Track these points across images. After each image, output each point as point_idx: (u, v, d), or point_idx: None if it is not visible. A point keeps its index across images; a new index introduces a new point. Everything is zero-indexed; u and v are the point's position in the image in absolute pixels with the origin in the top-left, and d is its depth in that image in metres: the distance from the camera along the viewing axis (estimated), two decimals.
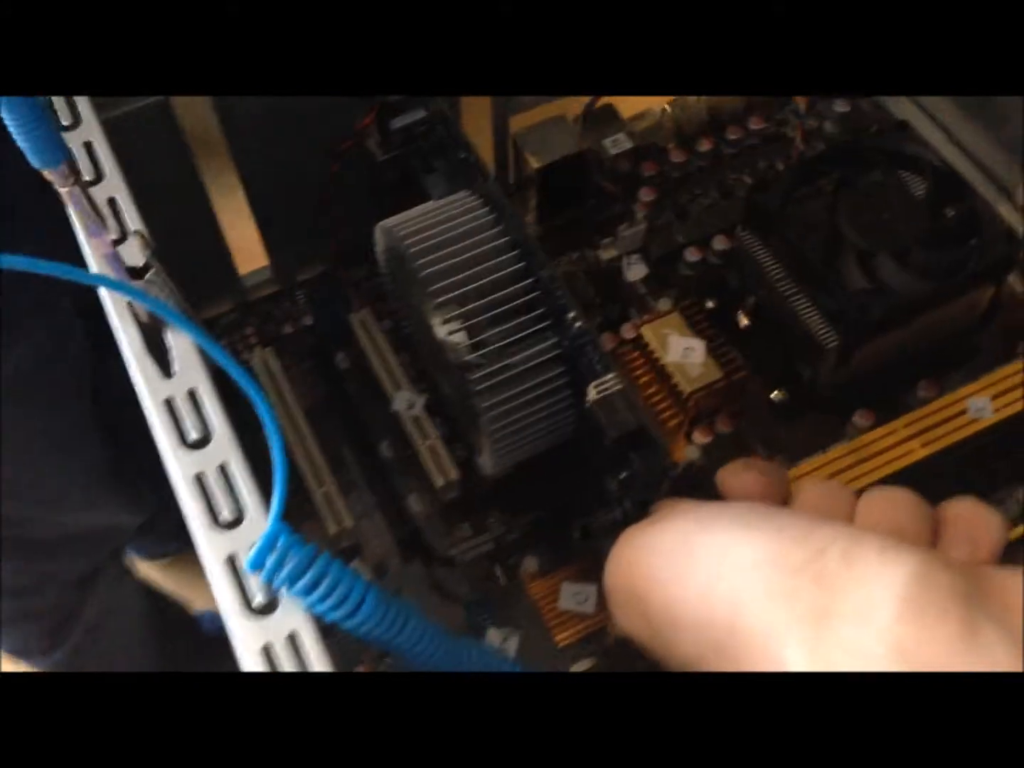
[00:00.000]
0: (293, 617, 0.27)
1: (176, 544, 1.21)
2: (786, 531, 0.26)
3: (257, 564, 0.26)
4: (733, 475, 0.33)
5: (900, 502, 0.32)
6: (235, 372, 0.26)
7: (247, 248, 0.57)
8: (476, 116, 0.55)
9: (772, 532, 0.26)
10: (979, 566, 0.27)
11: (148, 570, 1.18)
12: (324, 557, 0.26)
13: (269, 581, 0.26)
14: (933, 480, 0.47)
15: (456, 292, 0.40)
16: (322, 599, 0.26)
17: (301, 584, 0.26)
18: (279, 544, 0.26)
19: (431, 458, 0.48)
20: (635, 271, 0.54)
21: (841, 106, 0.58)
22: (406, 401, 0.49)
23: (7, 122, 0.26)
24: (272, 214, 0.53)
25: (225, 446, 0.29)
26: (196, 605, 1.14)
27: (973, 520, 0.31)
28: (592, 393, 0.36)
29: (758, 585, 0.25)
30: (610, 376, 0.36)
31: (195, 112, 0.48)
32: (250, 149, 0.50)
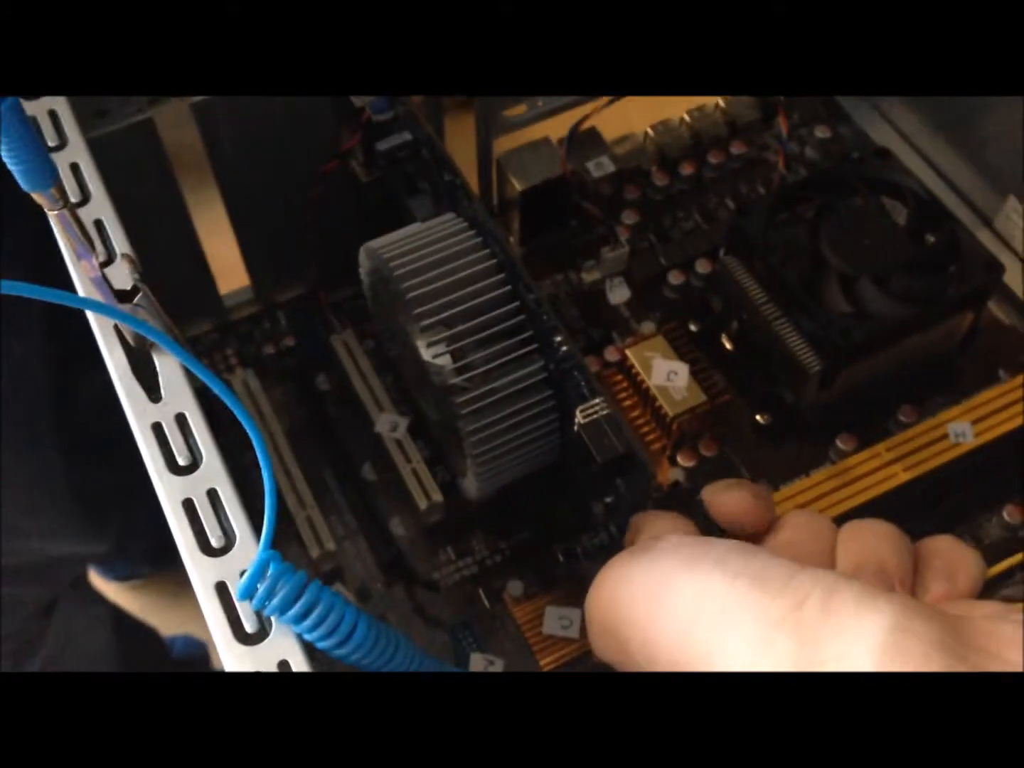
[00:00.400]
0: (284, 645, 0.26)
1: (147, 567, 1.19)
2: (766, 579, 0.26)
3: (247, 592, 0.26)
4: (722, 492, 0.33)
5: (881, 535, 0.32)
6: (226, 397, 0.25)
7: (228, 268, 0.57)
8: (459, 138, 0.55)
9: (752, 580, 0.26)
10: (958, 614, 0.26)
11: (116, 593, 1.17)
12: (315, 585, 0.26)
13: (260, 609, 0.26)
14: (916, 504, 0.48)
15: (442, 315, 0.39)
16: (313, 627, 0.26)
17: (292, 612, 0.26)
18: (270, 572, 0.26)
19: (414, 481, 0.47)
20: (618, 294, 0.54)
21: (822, 132, 0.59)
22: (389, 423, 0.49)
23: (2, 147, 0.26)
24: (253, 234, 0.53)
25: (214, 472, 0.29)
26: (166, 630, 1.13)
27: (951, 556, 0.31)
28: (579, 417, 0.35)
29: (736, 635, 0.25)
30: (598, 400, 0.36)
31: (178, 131, 0.48)
32: (233, 168, 0.50)
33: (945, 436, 0.49)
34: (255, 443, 0.25)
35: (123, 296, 0.30)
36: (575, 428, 0.36)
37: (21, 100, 0.26)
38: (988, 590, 0.35)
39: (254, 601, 0.26)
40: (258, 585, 0.26)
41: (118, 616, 1.05)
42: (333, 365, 0.53)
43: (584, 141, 0.56)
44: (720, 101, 0.59)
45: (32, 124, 0.26)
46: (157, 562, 1.19)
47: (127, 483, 1.03)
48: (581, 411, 0.35)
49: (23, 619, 0.87)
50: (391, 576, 0.47)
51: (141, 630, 1.09)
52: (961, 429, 0.49)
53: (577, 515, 0.46)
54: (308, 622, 0.26)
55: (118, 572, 1.19)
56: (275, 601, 0.26)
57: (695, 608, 0.26)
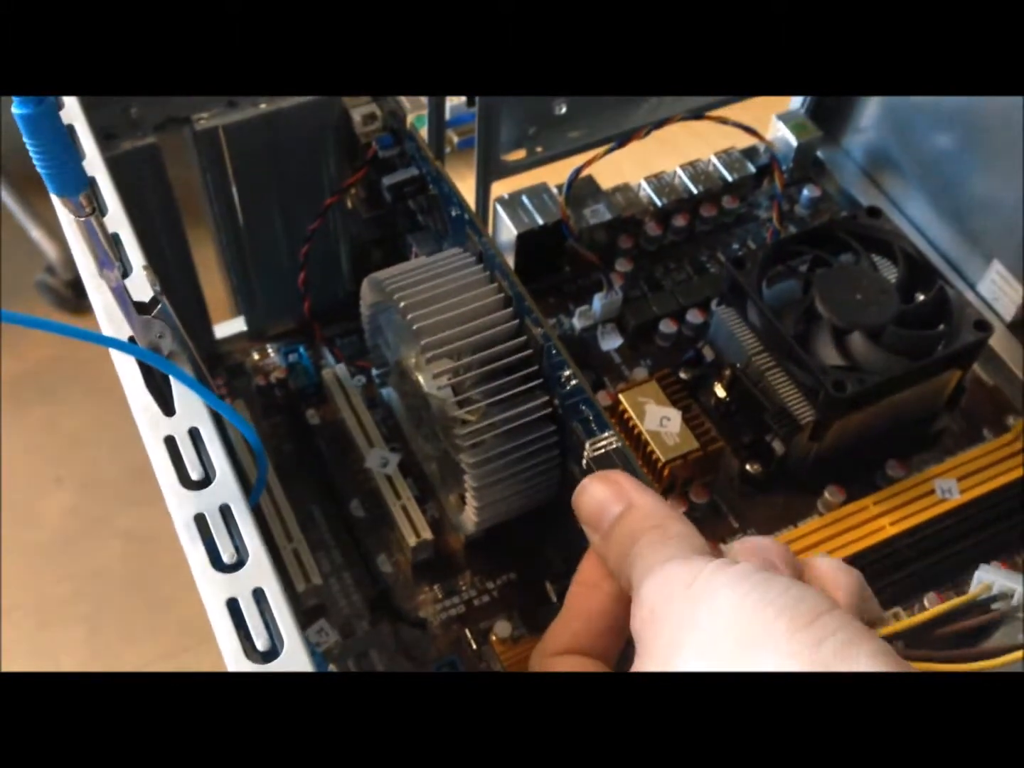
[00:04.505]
0: (295, 662, 0.26)
1: None
2: (797, 611, 0.26)
3: None
4: None
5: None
6: (239, 424, 0.25)
7: (220, 299, 0.56)
8: (458, 181, 0.55)
9: (783, 608, 0.26)
10: None
11: None
12: None
13: None
14: (902, 558, 0.48)
15: (448, 347, 0.39)
16: None
17: None
18: None
19: (403, 518, 0.47)
20: (610, 340, 0.55)
21: (812, 191, 0.60)
22: (379, 459, 0.48)
23: (32, 149, 0.26)
24: (247, 266, 0.53)
25: (227, 487, 0.28)
26: None
27: (830, 575, 0.31)
28: (589, 450, 0.35)
29: (754, 656, 0.25)
30: (608, 433, 0.36)
31: (180, 159, 0.48)
32: (231, 199, 0.50)
33: (932, 492, 0.50)
34: (260, 470, 0.25)
35: (142, 308, 0.30)
36: (584, 462, 0.35)
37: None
38: None
39: None
40: None
41: None
42: (324, 399, 0.52)
43: (581, 188, 0.56)
44: (713, 157, 0.60)
45: (67, 131, 0.26)
46: None
47: None
48: (591, 444, 0.35)
49: None
50: (376, 614, 0.47)
51: None
52: (947, 486, 0.50)
53: (572, 552, 0.45)
54: None
55: None
56: None
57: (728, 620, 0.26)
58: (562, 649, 0.33)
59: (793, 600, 0.26)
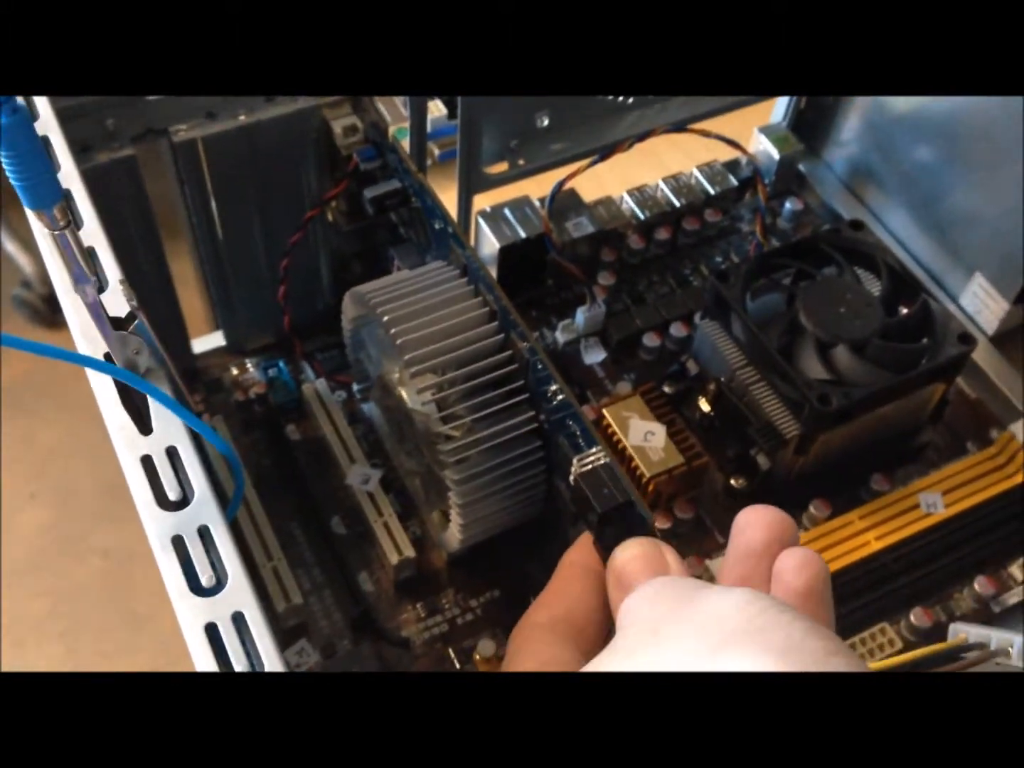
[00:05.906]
0: None
1: None
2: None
3: None
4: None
5: None
6: (217, 443, 0.25)
7: (198, 313, 0.56)
8: (440, 194, 0.55)
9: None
10: None
11: None
12: None
13: None
14: (887, 573, 0.48)
15: (432, 361, 0.39)
16: None
17: None
18: None
19: (385, 535, 0.46)
20: (593, 354, 0.54)
21: (794, 204, 0.60)
22: (360, 476, 0.48)
23: (4, 160, 0.25)
24: (226, 280, 0.52)
25: (205, 508, 0.28)
26: None
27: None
28: (576, 466, 0.35)
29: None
30: (596, 449, 0.35)
31: (157, 173, 0.47)
32: (209, 212, 0.49)
33: (916, 506, 0.49)
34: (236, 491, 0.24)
35: (118, 323, 0.29)
36: (571, 478, 0.35)
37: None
38: None
39: None
40: None
41: None
42: (304, 414, 0.52)
43: (564, 201, 0.56)
44: (695, 170, 0.59)
45: (41, 142, 0.25)
46: None
47: None
48: (579, 460, 0.35)
49: None
50: (358, 633, 0.46)
51: None
52: (932, 499, 0.49)
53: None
54: None
55: None
56: None
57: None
58: (543, 623, 0.33)
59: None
